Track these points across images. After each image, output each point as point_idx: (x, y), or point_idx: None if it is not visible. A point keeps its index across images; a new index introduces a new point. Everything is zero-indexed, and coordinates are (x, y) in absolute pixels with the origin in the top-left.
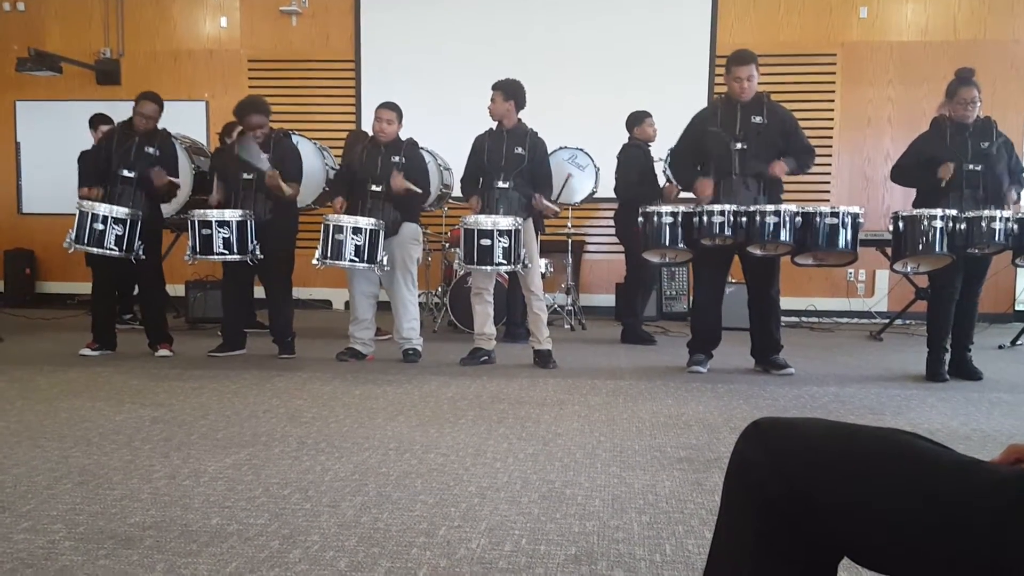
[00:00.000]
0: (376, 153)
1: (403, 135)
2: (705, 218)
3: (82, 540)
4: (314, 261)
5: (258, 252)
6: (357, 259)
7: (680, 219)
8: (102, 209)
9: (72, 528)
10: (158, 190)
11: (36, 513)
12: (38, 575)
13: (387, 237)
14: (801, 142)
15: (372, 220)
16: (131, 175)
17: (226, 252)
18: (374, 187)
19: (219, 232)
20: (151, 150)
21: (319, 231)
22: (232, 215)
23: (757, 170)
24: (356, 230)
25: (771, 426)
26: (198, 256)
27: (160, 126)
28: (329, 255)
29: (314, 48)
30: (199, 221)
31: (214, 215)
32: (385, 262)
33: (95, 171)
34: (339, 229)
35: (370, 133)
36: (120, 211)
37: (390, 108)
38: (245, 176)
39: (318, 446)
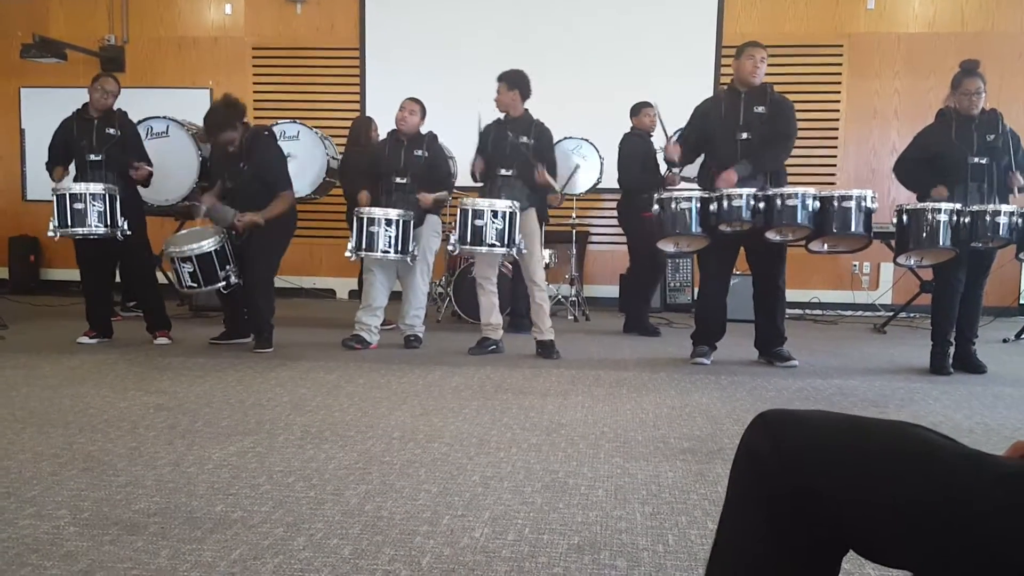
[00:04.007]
0: (399, 147)
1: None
2: (725, 203)
3: (87, 526)
4: (347, 253)
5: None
6: (390, 250)
7: (698, 205)
8: (78, 188)
9: (77, 514)
10: (139, 183)
11: (41, 499)
12: (43, 560)
13: (414, 228)
14: (780, 126)
15: (402, 211)
16: (98, 159)
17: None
18: (398, 180)
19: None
20: (112, 131)
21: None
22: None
23: None
24: (389, 222)
25: (777, 418)
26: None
27: (160, 113)
28: (364, 247)
29: (319, 36)
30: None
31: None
32: (416, 252)
33: (59, 156)
34: (372, 221)
35: (374, 119)
36: (96, 187)
37: (415, 100)
38: (229, 185)
39: (322, 434)
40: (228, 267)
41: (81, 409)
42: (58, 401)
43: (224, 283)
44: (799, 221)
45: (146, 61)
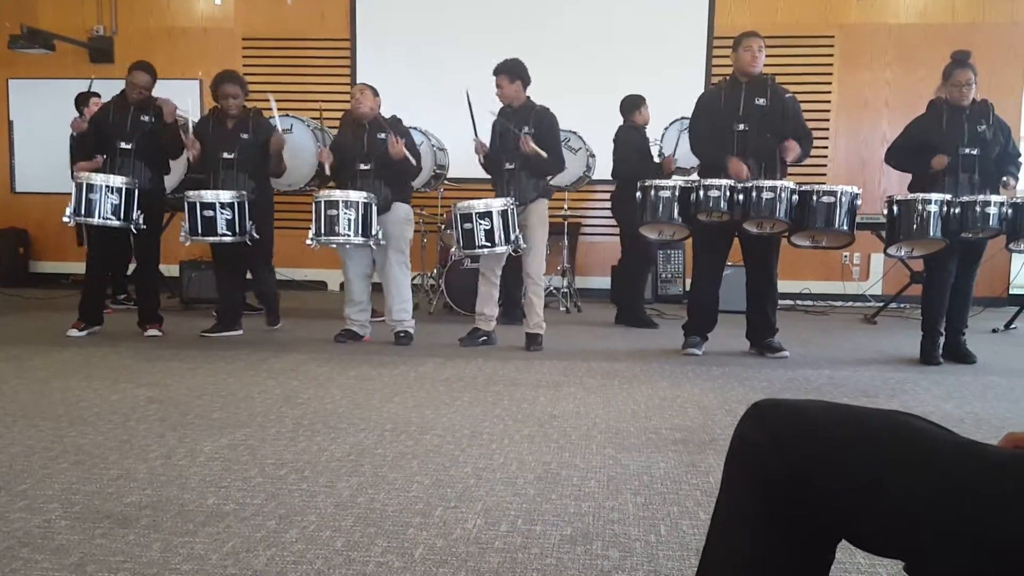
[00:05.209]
0: (361, 132)
1: (390, 113)
2: (702, 193)
3: (78, 519)
4: (308, 240)
5: (254, 232)
6: (351, 233)
7: (677, 194)
8: (98, 179)
9: (68, 507)
10: (167, 135)
11: (32, 492)
12: (34, 554)
13: (379, 214)
14: (801, 127)
15: (363, 193)
16: (129, 147)
17: (228, 234)
18: (363, 166)
19: (222, 214)
20: (146, 118)
21: (308, 212)
22: (229, 196)
23: (758, 152)
24: (348, 204)
25: (772, 407)
26: (196, 238)
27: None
28: (323, 232)
29: (309, 26)
30: (200, 203)
31: (208, 196)
32: (380, 236)
33: (91, 144)
34: (331, 204)
35: None
36: (117, 180)
37: (365, 84)
38: (226, 155)
39: (314, 427)
40: (251, 222)
41: (72, 402)
42: (48, 394)
43: (249, 236)
44: (776, 215)
45: (135, 52)
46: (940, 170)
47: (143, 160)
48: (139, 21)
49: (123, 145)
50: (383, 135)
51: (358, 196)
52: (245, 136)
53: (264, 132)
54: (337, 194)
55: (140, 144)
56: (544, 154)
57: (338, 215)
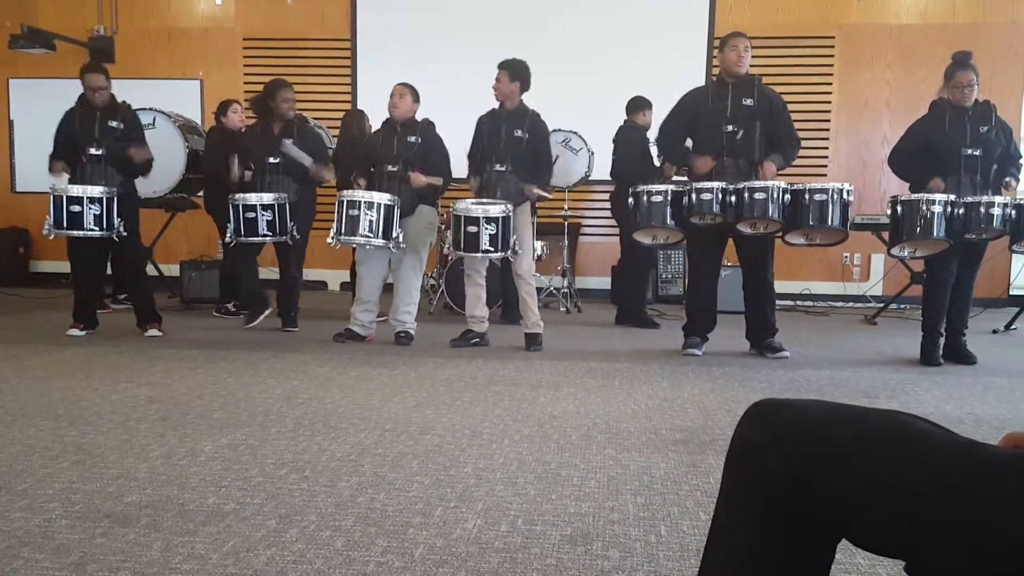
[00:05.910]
0: (391, 133)
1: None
2: (695, 196)
3: (79, 519)
4: (329, 239)
5: (295, 232)
6: (372, 235)
7: (670, 198)
8: (76, 190)
9: (69, 507)
10: (137, 166)
11: (32, 492)
12: (35, 554)
13: (403, 216)
14: (786, 130)
15: (387, 195)
16: (98, 152)
17: (269, 234)
18: (390, 168)
19: (263, 215)
20: (115, 124)
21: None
22: (270, 198)
23: (747, 152)
24: (370, 205)
25: (772, 407)
26: (241, 237)
27: (150, 104)
28: (344, 231)
29: (309, 26)
30: (243, 205)
31: (251, 198)
32: (401, 239)
33: (62, 147)
34: (353, 204)
35: (366, 112)
36: (94, 190)
37: (405, 85)
38: (271, 160)
39: (314, 426)
40: (292, 222)
41: (72, 401)
42: (48, 393)
43: (289, 236)
44: (769, 215)
45: (136, 52)
46: (940, 174)
47: (114, 166)
48: (139, 21)
49: (92, 151)
50: (413, 138)
51: (380, 198)
52: (290, 142)
53: (308, 139)
54: (360, 194)
55: (110, 150)
56: (547, 195)
57: (359, 216)
